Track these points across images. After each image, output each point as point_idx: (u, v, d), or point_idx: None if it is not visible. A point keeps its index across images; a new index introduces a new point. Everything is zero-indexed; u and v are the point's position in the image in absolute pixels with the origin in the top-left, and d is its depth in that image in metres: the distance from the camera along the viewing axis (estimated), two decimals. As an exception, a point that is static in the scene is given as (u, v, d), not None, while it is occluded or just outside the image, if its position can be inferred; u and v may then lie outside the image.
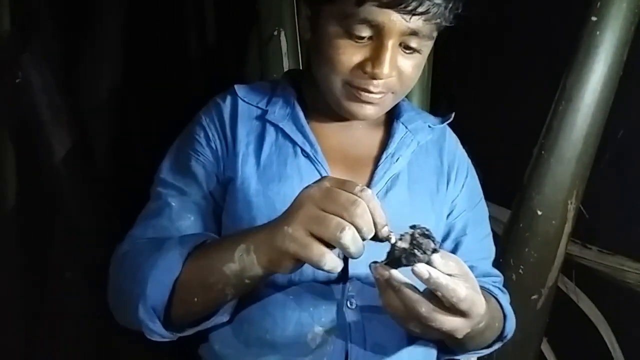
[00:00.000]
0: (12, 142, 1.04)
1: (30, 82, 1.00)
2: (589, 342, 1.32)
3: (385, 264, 0.58)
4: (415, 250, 0.56)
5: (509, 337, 0.80)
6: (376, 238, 0.57)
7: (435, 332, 0.61)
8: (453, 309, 0.58)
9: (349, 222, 0.54)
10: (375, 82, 0.70)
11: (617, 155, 1.34)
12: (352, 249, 0.54)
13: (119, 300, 0.72)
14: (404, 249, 0.56)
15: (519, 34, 1.43)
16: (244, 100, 0.80)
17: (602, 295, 1.33)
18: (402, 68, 0.71)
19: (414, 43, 0.69)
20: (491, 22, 1.44)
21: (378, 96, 0.72)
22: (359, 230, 0.55)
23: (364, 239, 0.56)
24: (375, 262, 0.59)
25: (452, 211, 0.84)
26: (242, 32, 1.45)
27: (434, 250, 0.56)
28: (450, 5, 0.68)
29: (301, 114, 0.79)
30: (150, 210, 0.77)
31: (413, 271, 0.56)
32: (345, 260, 0.71)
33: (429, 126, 0.85)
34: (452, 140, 0.88)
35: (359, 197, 0.55)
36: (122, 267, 0.72)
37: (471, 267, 0.79)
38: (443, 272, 0.57)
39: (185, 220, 0.75)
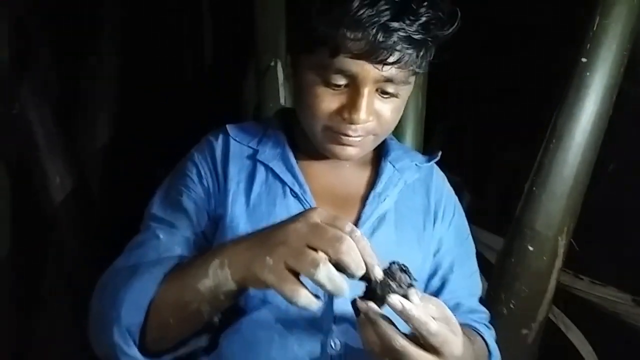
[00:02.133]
0: (8, 172, 1.04)
1: (27, 112, 1.01)
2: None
3: (362, 297, 0.59)
4: (391, 282, 0.57)
5: None
6: (367, 279, 0.58)
7: None
8: (427, 346, 0.58)
9: (335, 259, 0.55)
10: (353, 127, 0.72)
11: (610, 188, 1.37)
12: (329, 286, 0.54)
13: (96, 326, 0.71)
14: (380, 281, 0.58)
15: (512, 72, 1.46)
16: (235, 140, 0.82)
17: (592, 326, 1.35)
18: (381, 112, 0.73)
19: (390, 89, 0.71)
20: (485, 61, 1.48)
21: (358, 139, 0.74)
22: (347, 268, 0.55)
23: (353, 277, 0.56)
24: (356, 298, 0.60)
25: (439, 249, 0.85)
26: (239, 63, 1.46)
27: (410, 285, 0.58)
28: (422, 53, 0.70)
29: (291, 155, 0.80)
30: (137, 242, 0.77)
31: (387, 302, 0.57)
32: (331, 299, 0.72)
33: (416, 165, 0.86)
34: (439, 179, 0.89)
35: (349, 236, 0.56)
36: (101, 294, 0.71)
37: (457, 304, 0.82)
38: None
39: (173, 252, 0.74)
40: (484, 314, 0.86)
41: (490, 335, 0.83)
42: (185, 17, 1.49)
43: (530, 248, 1.06)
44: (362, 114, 0.70)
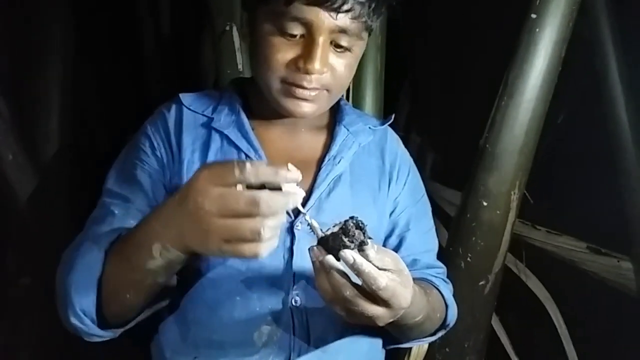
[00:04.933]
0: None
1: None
2: (537, 319, 1.40)
3: (317, 245, 0.62)
4: (343, 237, 0.59)
5: (451, 325, 0.85)
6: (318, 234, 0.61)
7: (359, 317, 0.64)
8: (375, 297, 0.61)
9: (264, 218, 0.54)
10: (308, 77, 0.73)
11: (559, 140, 1.41)
12: (277, 232, 0.56)
13: (58, 307, 0.71)
14: (333, 233, 0.60)
15: (467, 32, 1.47)
16: (189, 109, 0.82)
17: (549, 274, 1.41)
18: (335, 66, 0.74)
19: (344, 41, 0.73)
20: (439, 21, 1.48)
21: (313, 93, 0.75)
22: (278, 205, 0.55)
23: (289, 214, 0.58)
24: (313, 246, 0.62)
25: (395, 208, 0.87)
26: (196, 27, 1.44)
27: (362, 242, 0.60)
28: (374, 5, 0.72)
29: (246, 121, 0.81)
30: (92, 218, 0.77)
31: (340, 255, 0.59)
32: (290, 259, 0.75)
33: (370, 128, 0.88)
34: (393, 141, 0.91)
35: (243, 178, 0.55)
36: (59, 275, 0.72)
37: (415, 260, 0.85)
38: (376, 265, 0.60)
39: (128, 226, 0.74)
40: (440, 268, 0.89)
41: (446, 287, 0.86)
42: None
43: (484, 203, 1.09)
44: (317, 63, 0.71)
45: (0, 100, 1.01)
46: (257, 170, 0.55)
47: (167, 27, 1.49)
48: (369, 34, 0.78)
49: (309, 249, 0.62)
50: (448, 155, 1.65)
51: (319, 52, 0.71)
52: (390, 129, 0.92)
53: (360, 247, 0.60)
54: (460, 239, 1.13)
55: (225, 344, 0.75)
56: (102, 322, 0.69)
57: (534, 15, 1.03)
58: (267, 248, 0.56)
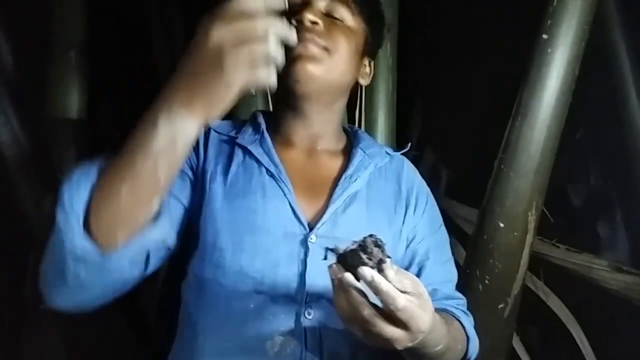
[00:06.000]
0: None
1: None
2: (559, 339, 1.37)
3: (336, 263, 0.61)
4: (362, 254, 0.59)
5: (472, 358, 0.83)
6: (337, 250, 0.61)
7: (377, 339, 0.63)
8: (394, 318, 0.60)
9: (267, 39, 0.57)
10: (306, 15, 0.79)
11: (579, 157, 1.39)
12: (284, 36, 0.58)
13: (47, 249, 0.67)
14: (352, 250, 0.59)
15: (479, 53, 1.46)
16: (215, 131, 0.86)
17: (570, 292, 1.38)
18: (331, 27, 0.82)
19: (337, 13, 0.83)
20: (450, 38, 1.47)
21: (314, 49, 0.79)
22: (278, 33, 0.57)
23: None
24: (332, 264, 0.62)
25: (415, 236, 0.87)
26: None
27: (380, 261, 0.59)
28: None
29: (269, 140, 0.84)
30: None
31: (358, 273, 0.59)
32: (304, 271, 0.76)
33: (387, 152, 0.90)
34: (410, 170, 0.92)
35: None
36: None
37: (434, 290, 0.83)
38: (395, 287, 0.59)
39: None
40: (461, 299, 0.88)
41: (467, 320, 0.85)
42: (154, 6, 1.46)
43: (501, 225, 1.08)
44: (310, 12, 0.80)
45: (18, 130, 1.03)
46: None
47: (177, 24, 1.49)
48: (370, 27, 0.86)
49: (328, 267, 0.62)
50: (462, 172, 1.64)
51: (312, 3, 0.81)
52: (407, 160, 0.94)
53: (379, 266, 0.59)
54: (478, 262, 1.11)
55: (237, 352, 0.75)
56: (88, 234, 0.64)
57: (545, 36, 1.03)
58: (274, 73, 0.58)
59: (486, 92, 1.47)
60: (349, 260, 0.60)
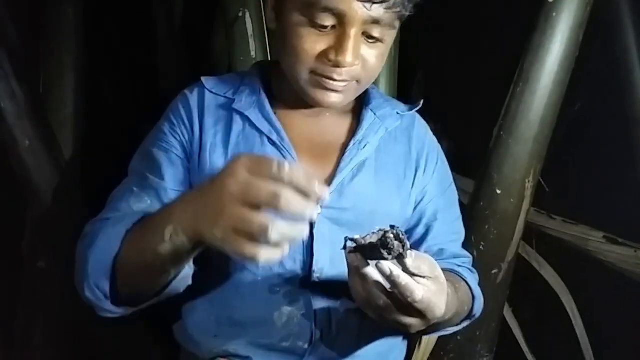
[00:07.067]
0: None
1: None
2: (551, 310, 1.38)
3: (354, 250, 0.61)
4: (382, 249, 0.57)
5: (477, 316, 0.84)
6: (356, 240, 0.60)
7: (390, 323, 0.64)
8: (410, 308, 0.61)
9: (275, 222, 0.53)
10: (338, 70, 0.71)
11: (576, 128, 1.38)
12: (287, 239, 0.53)
13: (76, 279, 0.72)
14: (372, 244, 0.58)
15: (481, 19, 1.44)
16: (211, 92, 0.82)
17: (565, 264, 1.39)
18: (366, 57, 0.72)
19: (376, 32, 0.71)
20: (453, 9, 1.45)
21: (342, 84, 0.73)
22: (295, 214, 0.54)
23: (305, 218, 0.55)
24: (348, 238, 0.61)
25: (423, 197, 0.85)
26: (209, 13, 1.43)
27: (400, 255, 0.58)
28: None
29: (267, 102, 0.80)
30: (113, 196, 0.79)
31: (376, 266, 0.59)
32: (311, 241, 0.75)
33: (398, 113, 0.86)
34: (421, 128, 0.89)
35: (280, 178, 0.53)
36: (78, 248, 0.73)
37: (441, 250, 0.84)
38: (412, 272, 0.59)
39: (142, 203, 0.75)
40: (467, 258, 0.88)
41: (473, 278, 0.85)
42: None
43: (498, 191, 1.07)
44: (349, 56, 0.69)
45: (15, 85, 1.02)
46: (292, 173, 0.53)
47: (179, 15, 1.49)
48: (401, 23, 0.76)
49: (345, 252, 0.61)
50: (463, 143, 1.63)
51: (351, 45, 0.69)
52: (418, 116, 0.90)
53: (399, 260, 0.59)
54: (473, 227, 1.11)
55: (246, 323, 0.76)
56: (117, 298, 0.69)
57: (550, 0, 1.01)
58: (268, 255, 0.53)
59: (489, 61, 1.45)
60: (368, 253, 0.59)
